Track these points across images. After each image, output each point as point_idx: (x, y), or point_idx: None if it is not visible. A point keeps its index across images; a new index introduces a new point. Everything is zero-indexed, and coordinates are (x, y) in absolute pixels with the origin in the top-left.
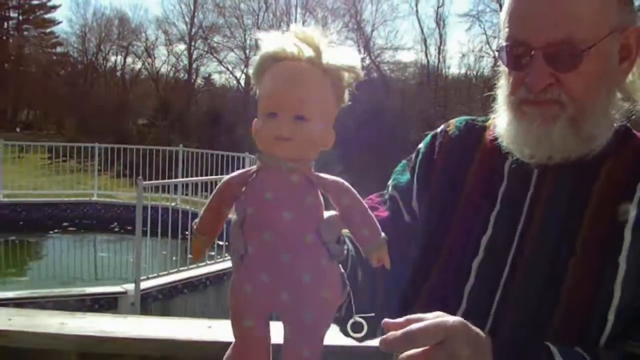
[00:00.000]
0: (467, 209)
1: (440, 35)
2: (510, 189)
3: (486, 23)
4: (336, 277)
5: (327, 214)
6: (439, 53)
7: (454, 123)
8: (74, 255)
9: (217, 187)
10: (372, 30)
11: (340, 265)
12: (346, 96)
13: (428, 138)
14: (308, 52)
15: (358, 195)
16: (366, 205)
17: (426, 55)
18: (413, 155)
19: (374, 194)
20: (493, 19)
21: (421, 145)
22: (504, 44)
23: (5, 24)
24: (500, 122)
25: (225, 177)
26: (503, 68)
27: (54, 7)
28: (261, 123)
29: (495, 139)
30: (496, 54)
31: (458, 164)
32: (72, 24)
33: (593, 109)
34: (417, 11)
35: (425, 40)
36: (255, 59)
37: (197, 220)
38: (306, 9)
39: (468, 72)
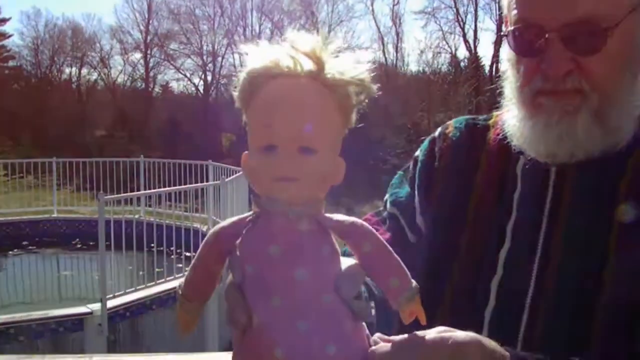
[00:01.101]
0: (479, 221)
1: (397, 34)
2: (526, 193)
3: (442, 19)
4: (364, 343)
5: (344, 263)
6: (396, 51)
7: (453, 124)
8: (36, 275)
9: (204, 240)
10: (329, 32)
11: (365, 326)
12: (354, 117)
13: (425, 144)
14: (308, 65)
15: (381, 238)
16: (390, 249)
17: (384, 54)
18: (410, 165)
19: (370, 213)
20: (448, 15)
21: (418, 153)
22: (512, 27)
23: None
24: (510, 118)
25: (215, 228)
26: (510, 56)
27: (4, 20)
28: (256, 159)
29: (503, 138)
30: (460, 43)
31: (463, 171)
32: (24, 36)
33: (618, 96)
34: (372, 10)
35: (382, 39)
36: (241, 77)
37: (180, 282)
38: (262, 12)
39: (426, 69)
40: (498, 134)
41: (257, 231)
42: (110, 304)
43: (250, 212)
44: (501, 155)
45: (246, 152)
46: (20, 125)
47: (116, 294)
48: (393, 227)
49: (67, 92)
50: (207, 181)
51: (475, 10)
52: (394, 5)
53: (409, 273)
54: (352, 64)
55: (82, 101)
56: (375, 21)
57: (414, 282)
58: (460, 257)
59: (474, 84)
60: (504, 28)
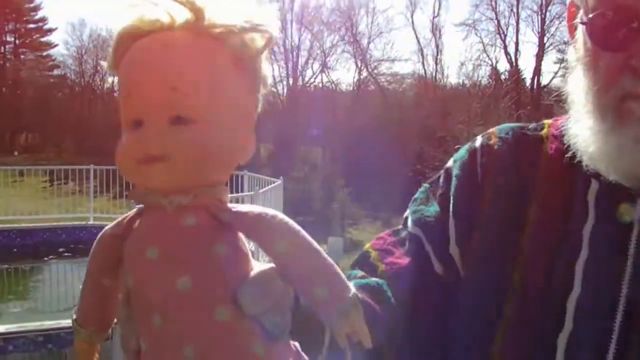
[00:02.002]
0: (536, 257)
1: (437, 46)
2: (602, 227)
3: (482, 31)
4: None
5: (257, 267)
6: (436, 63)
7: (496, 134)
8: (71, 282)
9: (91, 249)
10: (369, 43)
11: (295, 344)
12: (265, 72)
13: (462, 154)
14: (182, 15)
15: (303, 233)
16: (317, 247)
17: (423, 66)
18: (440, 179)
19: (386, 232)
20: (489, 27)
21: (452, 165)
22: (590, 15)
23: (2, 48)
24: (580, 130)
25: (100, 233)
26: (584, 52)
27: (50, 30)
28: (121, 140)
29: (564, 153)
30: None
31: (513, 192)
32: (69, 46)
33: None
34: (412, 22)
35: (422, 51)
36: (110, 44)
37: (75, 308)
38: (301, 23)
39: (466, 82)
40: (557, 149)
41: (138, 231)
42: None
43: (137, 208)
44: (564, 176)
45: None
46: (63, 132)
47: None
48: (414, 251)
49: (109, 100)
50: (241, 192)
51: (517, 23)
52: (434, 17)
53: (345, 279)
54: (239, 6)
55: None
56: (415, 33)
57: (352, 290)
58: (513, 298)
59: (514, 97)
60: (580, 17)
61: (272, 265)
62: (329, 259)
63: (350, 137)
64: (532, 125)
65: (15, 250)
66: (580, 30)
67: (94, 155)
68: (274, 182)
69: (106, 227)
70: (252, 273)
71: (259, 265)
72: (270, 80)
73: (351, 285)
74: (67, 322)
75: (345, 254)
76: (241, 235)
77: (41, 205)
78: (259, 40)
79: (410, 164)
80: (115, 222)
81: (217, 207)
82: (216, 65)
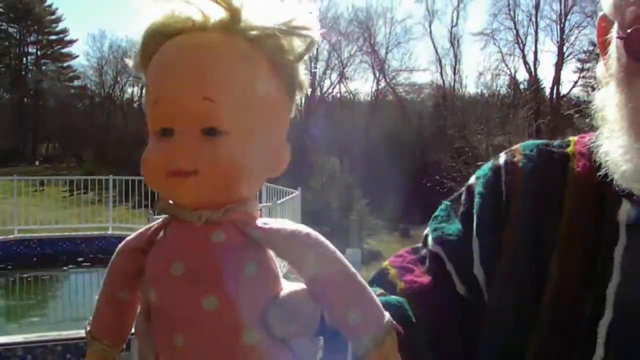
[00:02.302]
0: (565, 280)
1: (455, 55)
2: (635, 250)
3: (501, 41)
4: None
5: (287, 287)
6: (454, 73)
7: (521, 151)
8: (89, 292)
9: (110, 261)
10: (387, 53)
11: None
12: (303, 79)
13: (486, 172)
14: (217, 14)
15: (338, 254)
16: (352, 269)
17: (442, 76)
18: (462, 196)
19: (405, 249)
20: (508, 36)
21: (474, 182)
22: (629, 30)
23: (24, 59)
24: (612, 148)
25: (121, 243)
26: (612, 69)
27: (71, 42)
28: (148, 149)
29: (593, 172)
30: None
31: (541, 212)
32: (89, 57)
33: None
34: (430, 32)
35: (440, 61)
36: (136, 42)
37: (89, 319)
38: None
39: (484, 91)
40: (585, 167)
41: (163, 245)
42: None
43: (161, 219)
44: (593, 196)
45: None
46: (84, 142)
47: None
48: (435, 270)
49: (129, 111)
50: (259, 202)
51: (536, 32)
52: (452, 27)
53: (380, 304)
54: (280, 6)
55: (143, 120)
56: (433, 43)
57: (386, 316)
58: (541, 325)
59: (533, 107)
60: (616, 32)
61: (302, 285)
62: (364, 283)
63: (368, 147)
64: (557, 142)
65: (35, 259)
66: (614, 45)
67: (114, 166)
68: (292, 193)
69: (128, 238)
70: (282, 293)
71: (289, 285)
72: (306, 86)
73: (386, 312)
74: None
75: (364, 265)
76: (271, 252)
77: (61, 215)
78: (298, 45)
79: (428, 174)
80: (137, 233)
81: (247, 224)
82: (252, 73)
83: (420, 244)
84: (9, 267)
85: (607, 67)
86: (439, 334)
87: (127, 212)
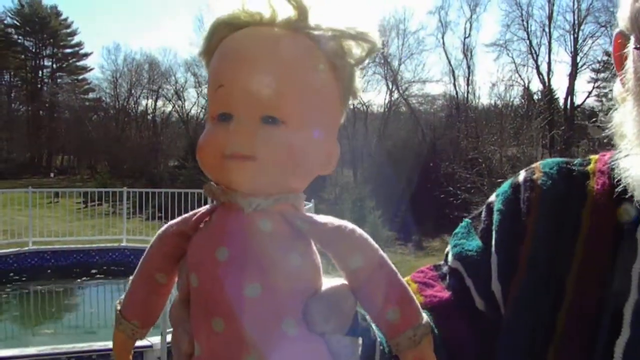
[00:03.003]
0: (582, 297)
1: (469, 66)
2: None
3: (514, 52)
4: None
5: (326, 282)
6: (467, 84)
7: (541, 169)
8: (103, 304)
9: (150, 243)
10: (399, 64)
11: None
12: (357, 84)
13: (506, 189)
14: (285, 11)
15: (380, 252)
16: (393, 267)
17: (455, 87)
18: (482, 213)
19: (427, 266)
20: (521, 47)
21: (494, 200)
22: None
23: (40, 72)
24: (632, 164)
25: (163, 227)
26: (629, 84)
27: (86, 55)
28: (206, 132)
29: (612, 189)
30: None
31: (559, 230)
32: (104, 70)
33: None
34: (443, 43)
35: (453, 72)
36: (203, 33)
37: (121, 297)
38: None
39: (498, 102)
40: (604, 184)
41: (208, 230)
42: (170, 337)
43: (208, 205)
44: (612, 214)
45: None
46: (98, 154)
47: None
48: (455, 285)
49: (143, 123)
50: None
51: (549, 42)
52: (465, 38)
53: (418, 304)
54: (345, 12)
55: (157, 132)
56: (446, 54)
57: (424, 318)
58: (557, 340)
59: (547, 118)
60: (631, 45)
61: (342, 281)
62: (404, 282)
63: (382, 158)
64: (577, 160)
65: (49, 271)
66: (631, 59)
67: (128, 177)
68: (305, 205)
69: (171, 222)
70: (324, 288)
71: (329, 279)
72: (360, 94)
73: (423, 313)
74: (99, 345)
75: None
76: (314, 246)
77: (75, 227)
78: (359, 49)
79: (442, 186)
80: (181, 218)
81: (294, 215)
82: (314, 70)
83: (442, 262)
84: (24, 279)
85: (624, 82)
86: (458, 349)
87: (141, 224)
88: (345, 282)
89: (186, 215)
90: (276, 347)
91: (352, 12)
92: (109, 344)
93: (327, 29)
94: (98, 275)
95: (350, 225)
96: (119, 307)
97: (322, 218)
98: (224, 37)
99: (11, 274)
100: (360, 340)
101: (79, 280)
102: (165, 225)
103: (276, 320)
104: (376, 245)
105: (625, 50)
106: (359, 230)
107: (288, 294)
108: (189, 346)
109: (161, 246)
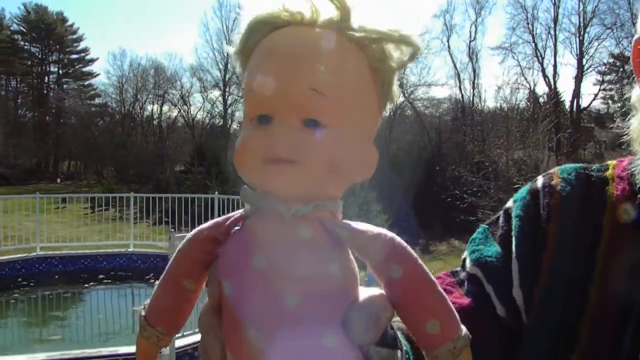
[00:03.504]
0: (605, 305)
1: (474, 70)
2: None
3: (519, 55)
4: None
5: (363, 292)
6: (473, 87)
7: (559, 174)
8: (110, 309)
9: (178, 247)
10: (405, 68)
11: None
12: (395, 89)
13: (523, 195)
14: (327, 12)
15: (419, 261)
16: (433, 279)
17: (460, 90)
18: (500, 219)
19: (445, 272)
20: (526, 50)
21: (512, 205)
22: None
23: (46, 78)
24: None
25: (192, 231)
26: None
27: (92, 60)
28: (244, 135)
29: (632, 195)
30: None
31: (580, 237)
32: (110, 75)
33: None
34: (449, 46)
35: (458, 75)
36: (239, 32)
37: (145, 303)
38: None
39: (504, 105)
40: (624, 190)
41: (242, 236)
42: (179, 343)
43: (240, 210)
44: (632, 220)
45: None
46: (104, 159)
47: (185, 333)
48: (474, 292)
49: (149, 128)
50: None
51: (555, 45)
52: (470, 42)
53: (457, 316)
54: (388, 15)
55: (163, 137)
56: (452, 57)
57: (463, 330)
58: (581, 348)
59: (553, 121)
60: None
61: (379, 290)
62: (443, 292)
63: (387, 162)
64: (595, 166)
65: (56, 276)
66: None
67: (134, 182)
68: None
69: (202, 227)
70: (362, 297)
71: (365, 289)
72: (396, 100)
73: (462, 325)
74: (107, 350)
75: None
76: (351, 254)
77: (82, 232)
78: (401, 53)
79: (448, 189)
80: (212, 222)
81: (333, 222)
82: (357, 73)
83: (459, 268)
84: (31, 284)
85: None
86: (480, 356)
87: (148, 229)
88: (383, 291)
89: (218, 219)
90: (316, 359)
91: (393, 13)
92: (118, 350)
93: (370, 30)
94: (105, 281)
95: (389, 233)
96: (143, 313)
97: (360, 226)
98: (262, 36)
99: (19, 280)
100: (399, 354)
101: (86, 285)
102: (195, 230)
103: (317, 332)
104: (415, 255)
105: None
106: (397, 239)
107: (328, 305)
108: (222, 354)
109: (191, 251)
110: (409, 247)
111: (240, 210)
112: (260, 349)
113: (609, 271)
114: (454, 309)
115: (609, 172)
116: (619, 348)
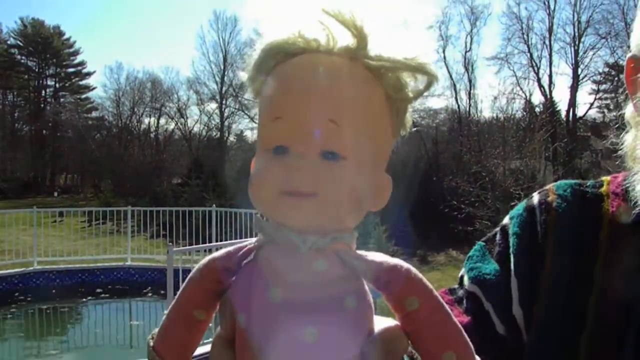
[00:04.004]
0: (605, 321)
1: (470, 80)
2: None
3: (515, 65)
4: None
5: (378, 323)
6: (469, 97)
7: (554, 191)
8: (108, 323)
9: (188, 277)
10: None
11: None
12: (409, 118)
13: (520, 212)
14: (344, 39)
15: (435, 292)
16: (448, 309)
17: (457, 101)
18: (497, 236)
19: (441, 290)
20: (522, 60)
21: (508, 223)
22: None
23: (43, 92)
24: None
25: (204, 260)
26: None
27: (89, 74)
28: (260, 165)
29: (628, 212)
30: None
31: (577, 253)
32: (107, 88)
33: None
34: (444, 57)
35: (454, 86)
36: (253, 56)
37: (154, 332)
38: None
39: (500, 115)
40: (619, 206)
41: (257, 267)
42: None
43: (254, 239)
44: (630, 235)
45: (255, 158)
46: (101, 173)
47: None
48: (473, 309)
49: (146, 141)
50: None
51: (550, 55)
52: (466, 52)
53: (472, 347)
54: (406, 42)
55: (160, 150)
56: (447, 68)
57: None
58: None
59: (550, 130)
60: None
61: (393, 321)
62: (459, 324)
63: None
64: (590, 182)
65: (54, 291)
66: None
67: (131, 196)
68: None
69: (214, 256)
70: (377, 329)
71: (380, 320)
72: (408, 129)
73: (477, 356)
74: None
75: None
76: (366, 285)
77: (80, 246)
78: (417, 82)
79: (445, 200)
80: (224, 251)
81: (349, 254)
82: (373, 103)
83: (456, 285)
84: (29, 298)
85: (637, 107)
86: None
87: (146, 242)
88: (397, 322)
89: (230, 249)
90: None
91: (411, 43)
92: None
93: (386, 59)
94: (103, 295)
95: (405, 264)
96: (151, 343)
97: (376, 257)
98: (277, 63)
99: (16, 294)
100: None
101: (84, 299)
102: (207, 259)
103: None
104: (431, 286)
105: (638, 75)
106: (414, 270)
107: (345, 338)
108: None
109: (202, 282)
110: (424, 279)
111: (253, 240)
112: None
113: (606, 288)
114: (469, 341)
115: (603, 189)
116: (621, 356)
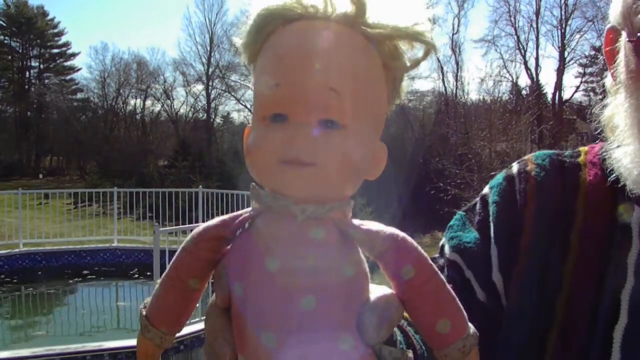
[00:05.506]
0: (580, 285)
1: (457, 62)
2: None
3: (502, 47)
4: None
5: (375, 291)
6: (456, 80)
7: (533, 160)
8: (95, 304)
9: (181, 245)
10: None
11: None
12: (404, 86)
13: (499, 181)
14: (342, 6)
15: (430, 261)
16: (442, 278)
17: (444, 83)
18: (477, 206)
19: None
20: (509, 42)
21: (488, 192)
22: (639, 34)
23: (27, 73)
24: (624, 154)
25: (197, 228)
26: (621, 77)
27: (74, 55)
28: (257, 133)
29: (604, 180)
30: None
31: (555, 220)
32: (92, 70)
33: None
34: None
35: (442, 68)
36: (248, 22)
37: (146, 301)
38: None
39: (487, 98)
40: (596, 175)
41: (252, 236)
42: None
43: (249, 209)
44: (606, 204)
45: (249, 125)
46: (87, 154)
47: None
48: (454, 277)
49: (132, 123)
50: None
51: (537, 38)
52: (453, 34)
53: (466, 315)
54: (402, 10)
55: (146, 132)
56: (435, 50)
57: (471, 328)
58: (558, 327)
59: (536, 113)
60: (623, 39)
61: (387, 289)
62: (452, 292)
63: None
64: (567, 152)
65: (40, 273)
66: (623, 53)
67: (117, 177)
68: None
69: (208, 225)
70: (373, 297)
71: (375, 288)
72: (403, 96)
73: (470, 324)
74: (92, 345)
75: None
76: (362, 254)
77: (66, 228)
78: (414, 50)
79: (432, 181)
80: (219, 220)
81: (346, 223)
82: (371, 71)
83: (437, 255)
84: (15, 281)
85: (615, 76)
86: None
87: (132, 224)
88: (392, 290)
89: (225, 217)
90: None
91: (410, 10)
92: (103, 344)
93: (384, 26)
94: (90, 276)
95: (401, 233)
96: (144, 313)
97: (372, 226)
98: (273, 29)
99: (2, 276)
100: (410, 353)
101: (70, 281)
102: (201, 227)
103: (333, 335)
104: (426, 255)
105: (617, 45)
106: (409, 239)
107: (342, 307)
108: (231, 355)
109: (197, 250)
110: (419, 247)
111: (249, 209)
112: (275, 352)
113: (582, 254)
114: (462, 308)
115: (581, 158)
116: (594, 326)
